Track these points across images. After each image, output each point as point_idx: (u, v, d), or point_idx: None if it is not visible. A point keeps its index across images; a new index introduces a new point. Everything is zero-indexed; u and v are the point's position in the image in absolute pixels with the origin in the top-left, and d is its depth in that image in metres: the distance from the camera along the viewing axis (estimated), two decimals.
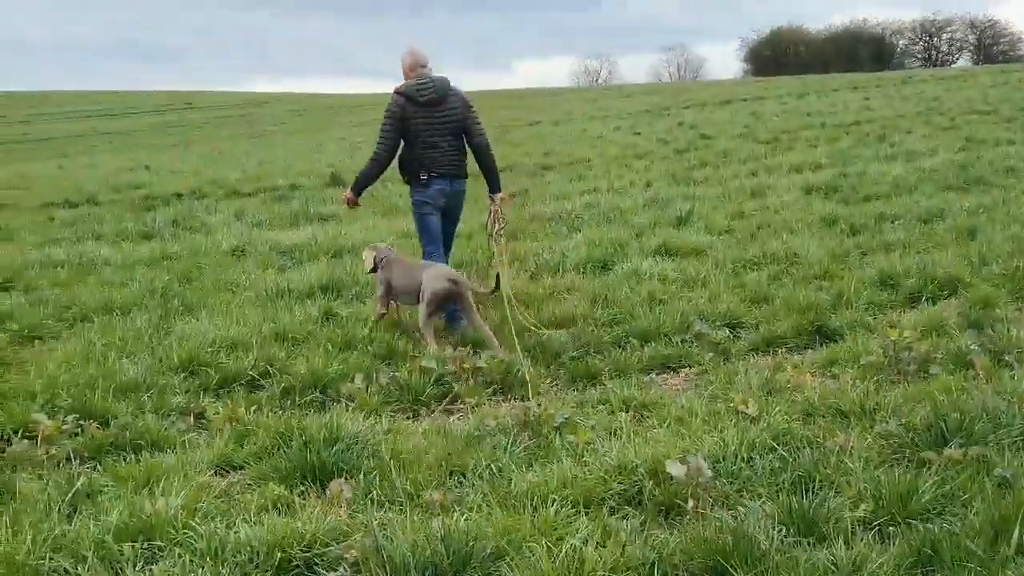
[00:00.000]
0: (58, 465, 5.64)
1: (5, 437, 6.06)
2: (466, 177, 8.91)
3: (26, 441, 5.90)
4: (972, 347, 6.87)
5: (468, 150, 8.84)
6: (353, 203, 9.23)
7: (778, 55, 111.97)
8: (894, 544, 4.29)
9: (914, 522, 4.46)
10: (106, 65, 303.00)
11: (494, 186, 8.97)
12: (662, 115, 41.45)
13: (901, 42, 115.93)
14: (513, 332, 7.76)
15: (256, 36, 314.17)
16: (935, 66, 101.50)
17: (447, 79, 8.73)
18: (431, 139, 8.61)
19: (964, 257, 9.79)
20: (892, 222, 12.15)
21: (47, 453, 5.74)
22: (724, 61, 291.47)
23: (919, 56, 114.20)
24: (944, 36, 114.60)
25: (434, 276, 8.18)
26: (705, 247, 11.32)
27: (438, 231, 8.83)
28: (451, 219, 9.05)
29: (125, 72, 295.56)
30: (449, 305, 8.36)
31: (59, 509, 4.92)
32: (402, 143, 8.72)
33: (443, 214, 8.86)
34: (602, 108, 50.45)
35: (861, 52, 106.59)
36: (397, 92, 8.67)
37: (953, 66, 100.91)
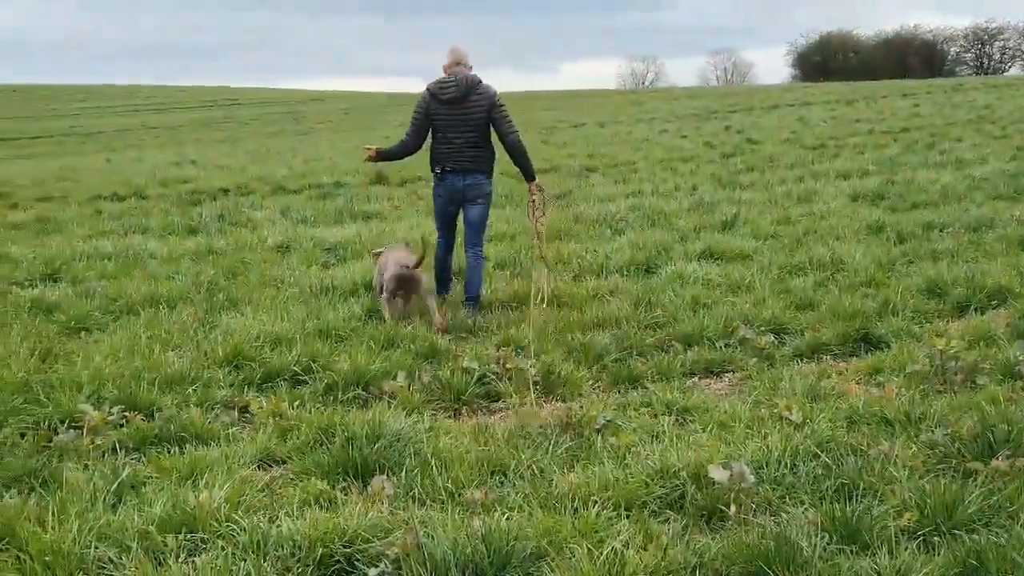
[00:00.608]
0: (103, 456, 5.69)
1: (52, 427, 6.11)
2: (487, 173, 9.35)
3: (72, 431, 5.96)
4: (1021, 358, 6.79)
5: (500, 146, 9.34)
6: (372, 157, 9.82)
7: (827, 61, 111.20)
8: (938, 554, 4.26)
9: (959, 533, 4.43)
10: (154, 63, 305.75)
11: (528, 176, 9.38)
12: (709, 119, 41.29)
13: (953, 49, 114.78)
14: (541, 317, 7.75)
15: (304, 36, 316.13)
16: (987, 74, 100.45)
17: (476, 78, 9.15)
18: (449, 135, 9.18)
19: (1013, 267, 9.67)
20: (940, 230, 12.01)
21: (93, 443, 5.79)
22: (772, 66, 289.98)
23: (971, 64, 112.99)
24: (996, 44, 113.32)
25: (391, 262, 8.88)
26: (750, 252, 11.26)
27: (448, 219, 9.51)
28: (472, 211, 9.35)
29: (175, 69, 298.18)
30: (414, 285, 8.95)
31: (104, 499, 4.97)
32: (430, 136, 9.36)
33: (462, 206, 9.38)
34: (648, 111, 50.33)
35: (912, 59, 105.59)
36: (427, 88, 9.22)
37: (1005, 74, 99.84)
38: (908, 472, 4.99)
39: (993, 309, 8.59)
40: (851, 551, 4.27)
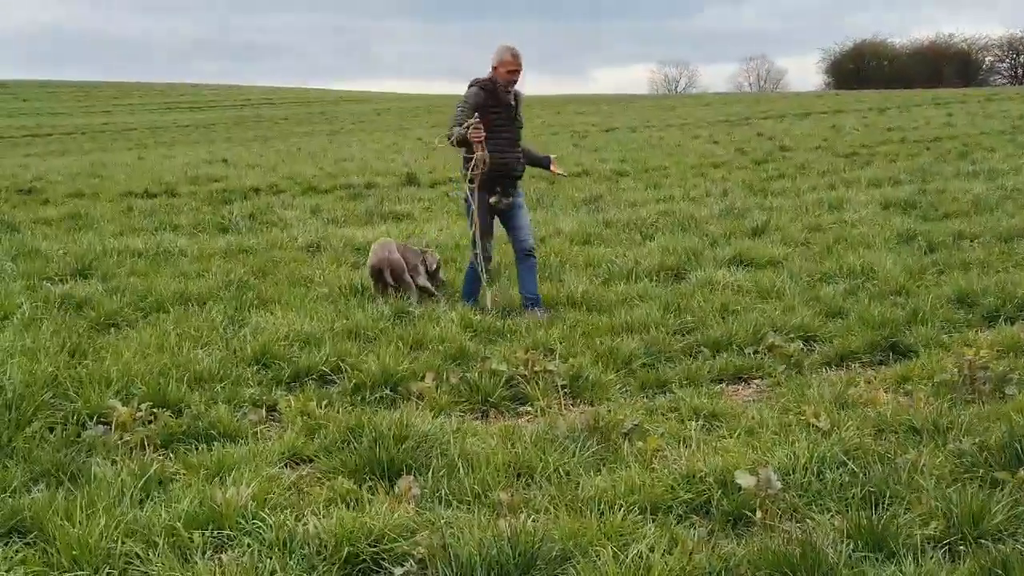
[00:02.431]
0: (131, 452, 5.72)
1: (81, 422, 6.16)
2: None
3: (101, 427, 5.99)
4: None
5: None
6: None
7: (860, 68, 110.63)
8: (964, 563, 4.24)
9: (985, 542, 4.41)
10: (193, 61, 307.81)
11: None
12: (741, 125, 41.21)
13: (987, 59, 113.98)
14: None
15: (340, 37, 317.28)
16: (1021, 84, 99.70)
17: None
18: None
19: None
20: (971, 240, 11.95)
21: (121, 439, 5.81)
22: (804, 73, 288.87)
23: (1005, 73, 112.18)
24: None
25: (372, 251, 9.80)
26: (780, 259, 11.23)
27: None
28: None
29: (214, 68, 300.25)
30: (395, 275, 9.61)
31: (131, 495, 5.00)
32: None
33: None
34: (680, 116, 50.25)
35: (946, 68, 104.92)
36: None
37: None
38: (935, 481, 4.97)
39: (1023, 320, 8.54)
40: (877, 559, 4.26)
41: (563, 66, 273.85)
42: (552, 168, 9.88)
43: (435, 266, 9.98)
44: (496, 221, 9.55)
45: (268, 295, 9.77)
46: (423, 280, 9.79)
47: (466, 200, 9.51)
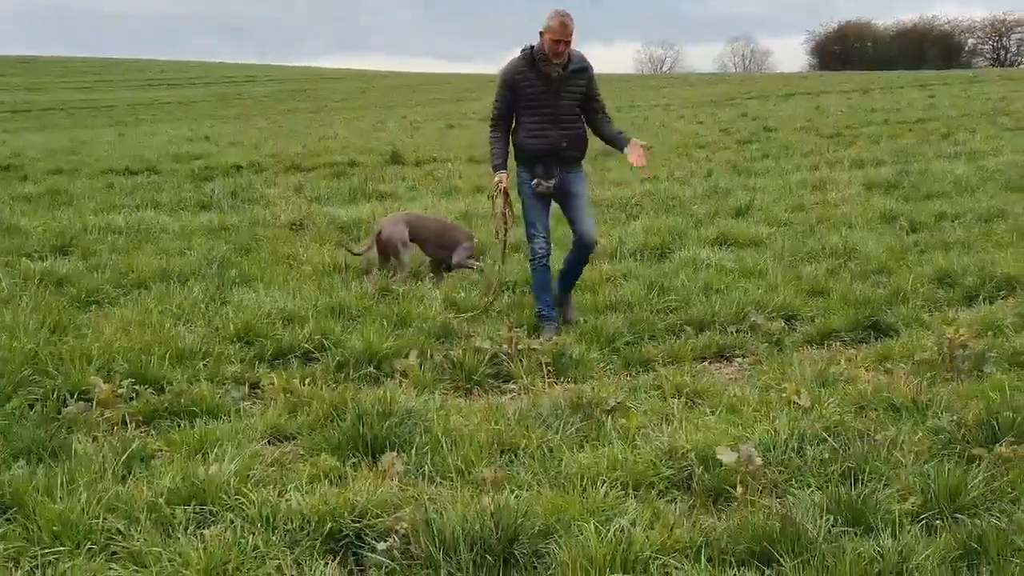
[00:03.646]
0: (113, 428, 5.71)
1: (61, 399, 6.13)
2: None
3: (82, 403, 5.97)
4: None
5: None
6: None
7: (844, 50, 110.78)
8: (941, 537, 4.28)
9: (961, 517, 4.47)
10: (177, 38, 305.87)
11: None
12: (725, 105, 41.23)
13: (970, 41, 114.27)
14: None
15: (322, 14, 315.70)
16: (1003, 66, 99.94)
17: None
18: None
19: (1023, 258, 9.66)
20: (952, 221, 12.01)
21: (102, 416, 5.80)
22: (790, 54, 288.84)
23: (987, 56, 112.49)
24: (1014, 36, 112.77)
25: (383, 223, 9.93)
26: (764, 238, 11.27)
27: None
28: None
29: (196, 45, 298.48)
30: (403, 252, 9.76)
31: (113, 471, 4.99)
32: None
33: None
34: (665, 96, 50.25)
35: (929, 50, 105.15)
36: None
37: (1022, 67, 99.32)
38: (913, 457, 5.02)
39: (1002, 299, 8.61)
40: (856, 533, 4.29)
41: None
42: (628, 154, 8.10)
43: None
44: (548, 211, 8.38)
45: (250, 273, 9.74)
46: (461, 257, 9.85)
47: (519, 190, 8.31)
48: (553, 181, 8.12)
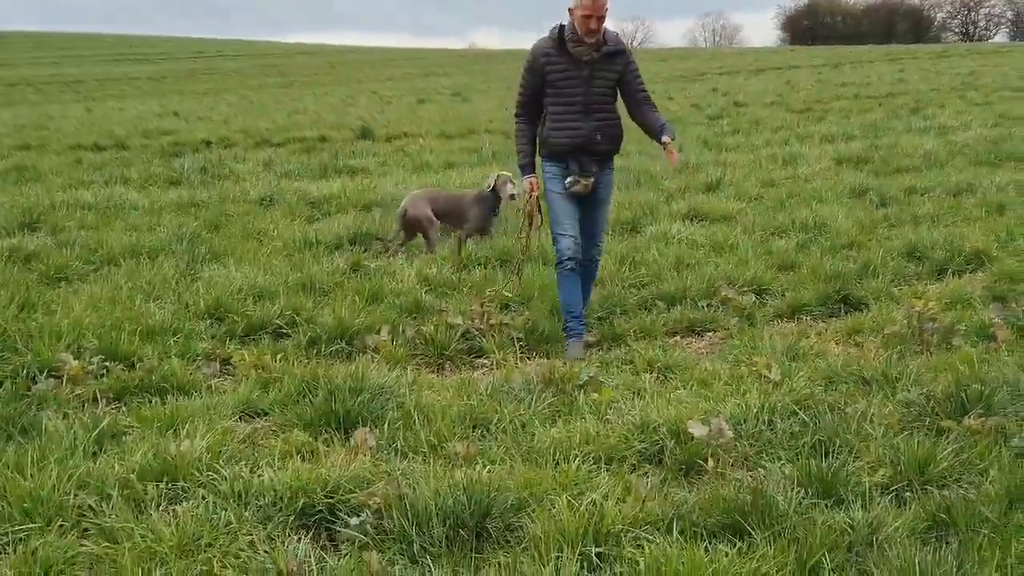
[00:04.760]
0: (83, 405, 5.69)
1: (31, 376, 6.10)
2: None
3: (52, 380, 5.95)
4: (995, 320, 6.89)
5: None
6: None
7: (815, 25, 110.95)
8: (910, 509, 4.33)
9: (931, 488, 4.52)
10: (145, 13, 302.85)
11: None
12: (696, 81, 41.24)
13: (939, 16, 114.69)
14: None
15: None
16: (972, 41, 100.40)
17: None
18: None
19: (991, 232, 9.75)
20: (922, 195, 12.08)
21: (73, 393, 5.78)
22: (760, 29, 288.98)
23: (956, 30, 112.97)
24: (982, 11, 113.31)
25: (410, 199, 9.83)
26: (734, 213, 11.30)
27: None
28: None
29: (165, 20, 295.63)
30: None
31: (84, 448, 4.97)
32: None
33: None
34: None
35: (899, 24, 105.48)
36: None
37: (990, 41, 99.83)
38: (883, 430, 5.06)
39: (970, 273, 8.69)
40: (826, 505, 4.33)
41: (518, 19, 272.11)
42: (665, 146, 7.22)
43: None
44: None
45: (221, 249, 9.70)
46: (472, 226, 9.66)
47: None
48: (592, 180, 7.14)
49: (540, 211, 7.57)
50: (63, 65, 71.53)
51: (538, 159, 7.36)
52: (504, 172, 9.73)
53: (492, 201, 9.48)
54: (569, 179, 7.10)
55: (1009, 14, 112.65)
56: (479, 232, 9.64)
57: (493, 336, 6.99)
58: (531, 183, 7.32)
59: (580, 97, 7.04)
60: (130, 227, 10.89)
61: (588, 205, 7.27)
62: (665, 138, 7.13)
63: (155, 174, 15.62)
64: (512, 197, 9.24)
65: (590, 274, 7.45)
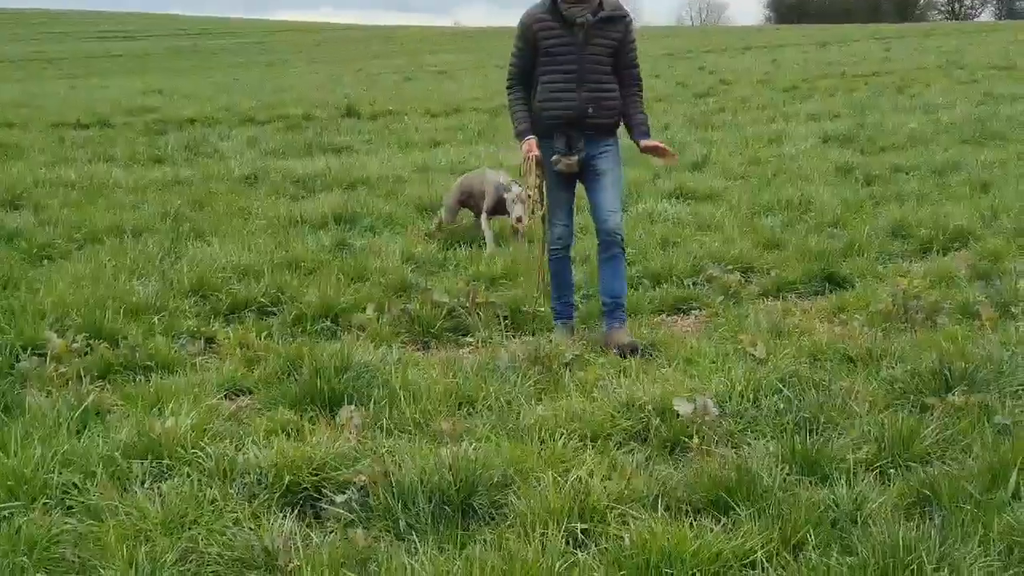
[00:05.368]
0: (67, 383, 5.64)
1: (14, 354, 6.08)
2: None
3: (36, 358, 5.92)
4: (979, 298, 6.96)
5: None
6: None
7: (801, 3, 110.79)
8: (894, 485, 4.35)
9: (915, 465, 4.53)
10: None
11: None
12: (682, 59, 41.16)
13: None
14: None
15: None
16: (958, 19, 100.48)
17: None
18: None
19: (976, 210, 9.78)
20: (907, 173, 12.12)
21: (56, 371, 5.74)
22: (746, 8, 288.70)
23: (942, 9, 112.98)
24: None
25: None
26: (720, 192, 11.30)
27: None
28: None
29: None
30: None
31: (68, 426, 4.94)
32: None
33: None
34: None
35: (885, 3, 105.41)
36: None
37: (975, 20, 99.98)
38: (868, 407, 5.07)
39: (955, 251, 8.73)
40: (810, 482, 4.35)
41: None
42: (656, 158, 7.09)
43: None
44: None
45: (205, 227, 9.67)
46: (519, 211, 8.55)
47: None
48: (576, 157, 6.60)
49: (543, 179, 6.89)
50: (44, 42, 70.98)
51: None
52: (512, 182, 8.74)
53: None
54: (553, 157, 6.62)
55: None
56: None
57: (479, 314, 6.97)
58: (529, 144, 6.69)
59: (574, 65, 6.50)
60: (114, 205, 10.84)
61: (588, 182, 6.78)
62: (643, 142, 6.76)
63: (139, 152, 15.55)
64: (519, 220, 8.49)
65: (614, 256, 6.69)
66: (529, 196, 7.01)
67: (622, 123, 6.80)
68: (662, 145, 6.78)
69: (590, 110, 6.55)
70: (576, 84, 6.51)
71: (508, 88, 6.83)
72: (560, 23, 6.48)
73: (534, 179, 6.82)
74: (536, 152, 6.68)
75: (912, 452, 4.60)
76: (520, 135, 6.78)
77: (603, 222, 6.68)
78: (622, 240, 6.72)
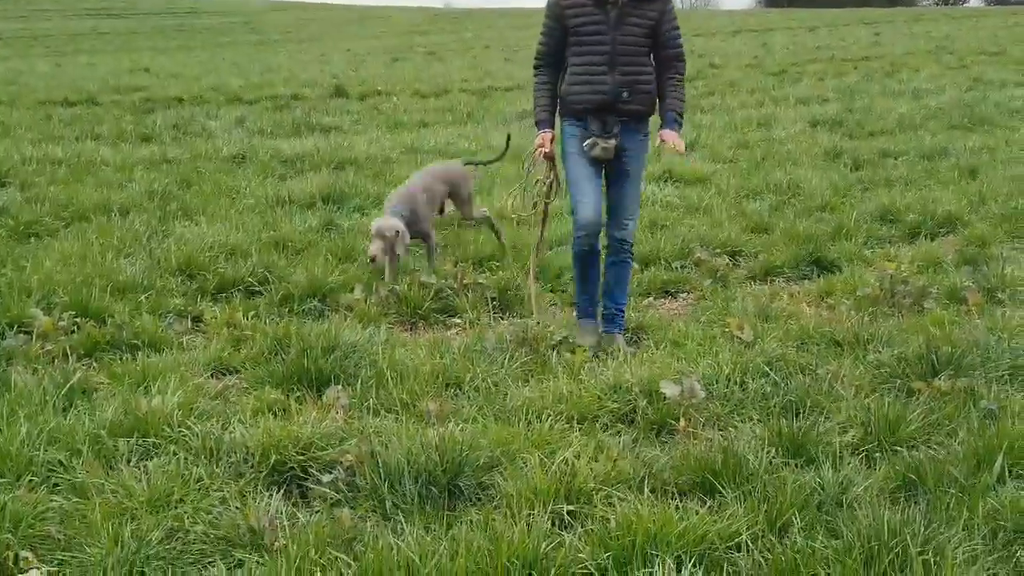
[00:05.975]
0: (53, 361, 5.64)
1: (1, 331, 6.06)
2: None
3: (22, 336, 5.92)
4: (966, 283, 7.00)
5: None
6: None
7: None
8: (880, 469, 4.38)
9: (900, 449, 4.56)
10: None
11: None
12: None
13: None
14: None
15: None
16: (947, 5, 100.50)
17: None
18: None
19: (964, 195, 9.81)
20: (895, 158, 12.13)
21: (43, 348, 5.74)
22: None
23: None
24: None
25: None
26: (709, 175, 11.29)
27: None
28: None
29: None
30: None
31: (54, 403, 4.95)
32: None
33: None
34: None
35: None
36: None
37: (965, 5, 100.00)
38: (854, 391, 5.11)
39: (943, 236, 8.76)
40: (796, 465, 4.37)
41: None
42: (664, 145, 6.20)
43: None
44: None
45: (192, 206, 9.63)
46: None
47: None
48: (613, 142, 6.09)
49: (556, 174, 6.51)
50: (31, 19, 70.50)
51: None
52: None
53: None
54: (588, 141, 6.09)
55: None
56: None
57: (466, 296, 6.97)
58: (543, 138, 6.24)
59: (606, 47, 5.99)
60: (101, 183, 10.79)
61: (611, 178, 6.30)
62: (668, 134, 6.16)
63: (126, 130, 15.46)
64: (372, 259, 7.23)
65: (622, 261, 6.36)
66: (525, 191, 6.70)
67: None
68: (681, 146, 6.17)
69: (624, 95, 6.04)
70: (608, 67, 6.02)
71: (535, 70, 6.34)
72: (591, 1, 6.00)
73: (543, 171, 6.50)
74: (548, 149, 6.28)
75: (898, 436, 4.63)
76: (538, 124, 6.29)
77: (619, 228, 6.29)
78: (631, 247, 6.39)
